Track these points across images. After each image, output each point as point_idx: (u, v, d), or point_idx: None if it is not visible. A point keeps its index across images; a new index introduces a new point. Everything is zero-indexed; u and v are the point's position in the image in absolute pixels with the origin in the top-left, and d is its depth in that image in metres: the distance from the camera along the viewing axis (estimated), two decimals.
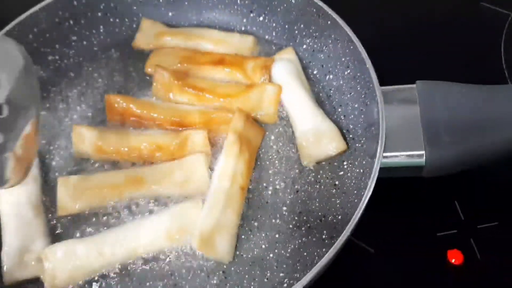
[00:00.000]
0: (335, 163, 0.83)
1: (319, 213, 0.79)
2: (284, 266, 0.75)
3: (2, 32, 0.91)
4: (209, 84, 0.91)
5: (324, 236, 0.76)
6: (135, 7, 1.03)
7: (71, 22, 0.99)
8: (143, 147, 0.83)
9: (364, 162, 0.78)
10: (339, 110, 0.88)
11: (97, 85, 0.97)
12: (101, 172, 0.84)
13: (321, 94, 0.91)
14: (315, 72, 0.94)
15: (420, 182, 0.78)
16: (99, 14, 1.01)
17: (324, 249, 0.73)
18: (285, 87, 0.88)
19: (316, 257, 0.73)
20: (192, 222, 0.76)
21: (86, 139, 0.85)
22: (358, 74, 0.84)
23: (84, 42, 1.02)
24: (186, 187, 0.79)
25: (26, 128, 0.70)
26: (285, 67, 0.90)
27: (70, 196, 0.80)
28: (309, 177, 0.82)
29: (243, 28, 1.02)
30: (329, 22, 0.88)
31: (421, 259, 0.77)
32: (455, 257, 0.77)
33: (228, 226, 0.76)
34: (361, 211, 0.67)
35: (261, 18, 1.00)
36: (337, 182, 0.81)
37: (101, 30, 1.02)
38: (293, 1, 0.93)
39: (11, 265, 0.75)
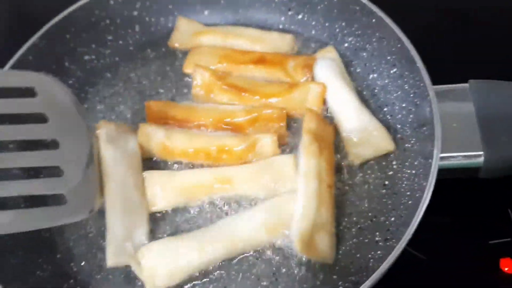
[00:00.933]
0: (383, 163, 0.82)
1: (370, 214, 0.77)
2: (337, 268, 0.74)
3: (41, 32, 0.91)
4: (251, 84, 0.90)
5: (377, 238, 0.75)
6: (170, 6, 1.02)
7: (107, 21, 0.99)
8: (211, 149, 0.82)
9: (416, 163, 0.77)
10: (385, 109, 0.87)
11: (134, 85, 0.96)
12: (188, 170, 0.82)
13: (364, 93, 0.89)
14: (357, 71, 0.92)
15: (472, 187, 0.77)
16: (135, 13, 1.00)
17: (379, 252, 0.72)
18: (329, 86, 0.87)
19: (371, 260, 0.72)
20: (288, 216, 0.74)
21: (152, 138, 0.83)
22: (406, 73, 0.82)
23: (120, 42, 1.01)
24: (274, 189, 0.78)
25: None
26: (328, 66, 0.89)
27: (159, 192, 0.79)
28: (357, 177, 0.81)
29: (281, 26, 1.00)
30: (373, 20, 0.87)
31: (473, 266, 0.76)
32: (507, 266, 0.76)
33: (325, 226, 0.74)
34: (421, 214, 0.66)
35: (300, 16, 0.98)
36: (386, 182, 0.80)
37: (137, 30, 1.01)
38: None
39: (114, 249, 0.74)
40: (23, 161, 0.69)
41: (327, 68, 0.89)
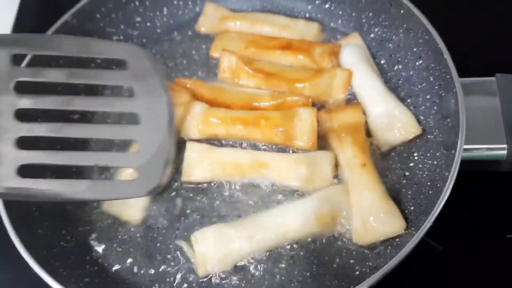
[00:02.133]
0: (405, 154, 0.82)
1: None
2: (354, 253, 0.75)
3: (73, 10, 0.92)
4: (277, 69, 0.91)
5: None
6: None
7: (137, 3, 1.00)
8: (249, 116, 0.83)
9: (437, 154, 0.77)
10: (409, 101, 0.87)
11: (160, 67, 0.98)
12: (228, 148, 0.84)
13: (388, 84, 0.89)
14: (382, 62, 0.92)
15: (493, 180, 0.77)
16: None
17: (397, 239, 0.73)
18: (356, 72, 0.87)
19: (389, 247, 0.73)
20: (341, 207, 0.75)
21: (195, 108, 0.84)
22: (432, 65, 0.82)
23: (148, 24, 1.02)
24: (308, 183, 0.78)
25: None
26: (354, 52, 0.90)
27: (197, 163, 0.80)
28: (378, 168, 0.81)
29: (307, 15, 1.01)
30: (402, 11, 0.87)
31: (489, 259, 0.76)
32: None
33: (374, 204, 0.74)
34: (442, 203, 0.67)
35: (327, 5, 0.99)
36: (407, 173, 0.80)
37: (165, 13, 1.03)
38: None
39: None
40: (105, 133, 0.72)
41: (352, 54, 0.89)
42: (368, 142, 0.82)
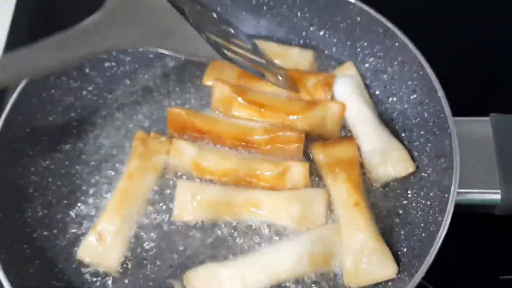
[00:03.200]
0: (398, 191, 0.82)
1: None
2: None
3: None
4: (270, 100, 0.90)
5: None
6: None
7: None
8: (241, 172, 0.82)
9: (431, 194, 0.77)
10: (403, 135, 0.86)
11: (153, 94, 0.97)
12: (220, 186, 0.82)
13: (383, 116, 0.89)
14: (377, 93, 0.92)
15: (486, 221, 0.77)
16: None
17: (389, 283, 0.73)
18: (349, 105, 0.87)
19: None
20: (334, 248, 0.75)
21: (185, 154, 0.83)
22: (426, 101, 0.82)
23: (140, 49, 1.01)
24: (301, 222, 0.77)
25: None
26: (348, 84, 0.89)
27: (189, 203, 0.79)
28: (371, 203, 0.81)
29: (301, 42, 1.00)
30: (396, 44, 0.86)
31: None
32: None
33: (367, 246, 0.74)
34: (435, 251, 0.67)
35: (321, 33, 0.97)
36: (400, 211, 0.80)
37: None
38: (358, 18, 0.91)
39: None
40: None
41: (347, 86, 0.89)
42: (362, 179, 0.81)
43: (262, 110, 0.88)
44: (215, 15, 0.83)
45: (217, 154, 0.84)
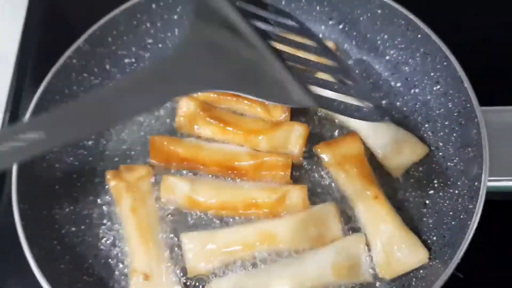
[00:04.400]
0: (424, 181, 0.83)
1: None
2: (377, 284, 0.75)
3: (85, 36, 0.91)
4: (235, 118, 0.89)
5: None
6: None
7: (148, 25, 0.98)
8: (238, 202, 0.80)
9: (459, 183, 0.78)
10: (426, 125, 0.87)
11: None
12: (227, 228, 0.80)
13: (405, 108, 0.90)
14: (398, 85, 0.92)
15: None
16: (175, 17, 1.00)
17: (421, 271, 0.74)
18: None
19: (414, 278, 0.74)
20: (359, 257, 0.74)
21: (177, 191, 0.81)
22: (451, 91, 0.83)
23: (160, 45, 1.00)
24: (320, 241, 0.77)
25: None
26: None
27: (199, 255, 0.76)
28: (398, 195, 0.82)
29: (320, 36, 1.00)
30: (419, 36, 0.86)
31: None
32: None
33: (394, 236, 0.74)
34: (468, 240, 0.67)
35: (340, 26, 0.98)
36: (427, 201, 0.81)
37: (176, 34, 1.01)
38: (379, 11, 0.91)
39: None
40: None
41: None
42: (373, 173, 0.81)
43: (226, 127, 0.87)
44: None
45: (211, 186, 0.82)
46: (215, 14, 0.60)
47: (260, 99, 0.61)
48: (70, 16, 1.16)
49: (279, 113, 0.88)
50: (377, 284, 0.75)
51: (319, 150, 0.85)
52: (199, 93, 0.89)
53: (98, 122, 0.55)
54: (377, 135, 0.85)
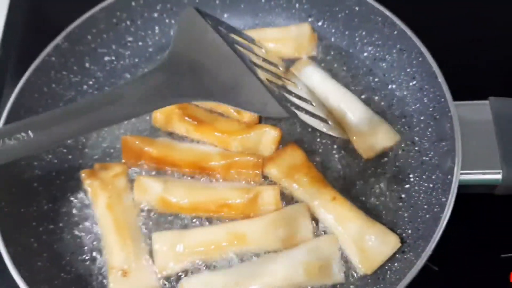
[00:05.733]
0: (400, 176, 0.83)
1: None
2: (351, 279, 0.75)
3: (64, 33, 0.91)
4: (210, 118, 0.89)
5: None
6: None
7: (128, 23, 0.98)
8: (211, 203, 0.80)
9: (433, 177, 0.79)
10: (403, 120, 0.88)
11: None
12: (198, 228, 0.80)
13: (382, 103, 0.90)
14: (376, 80, 0.93)
15: (486, 201, 0.79)
16: (155, 14, 1.00)
17: (396, 264, 0.74)
18: (325, 87, 0.89)
19: (388, 271, 0.74)
20: (331, 258, 0.74)
21: (150, 191, 0.81)
22: (426, 86, 0.84)
23: (140, 43, 1.01)
24: (290, 242, 0.76)
25: None
26: (315, 70, 0.92)
27: (169, 255, 0.76)
28: (374, 189, 0.83)
29: None
30: (395, 32, 0.87)
31: (484, 279, 0.78)
32: None
33: (362, 231, 0.75)
34: (440, 232, 0.68)
35: (319, 23, 0.98)
36: (403, 195, 0.82)
37: (157, 31, 1.01)
38: (357, 8, 0.92)
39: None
40: None
41: (314, 72, 0.91)
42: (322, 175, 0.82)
43: (200, 126, 0.87)
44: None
45: (184, 187, 0.82)
46: (197, 36, 0.66)
47: (239, 109, 0.67)
48: (51, 14, 1.16)
49: (249, 114, 0.89)
50: (351, 280, 0.76)
51: (263, 169, 0.83)
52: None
53: (86, 124, 0.60)
54: (354, 113, 0.86)
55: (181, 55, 0.66)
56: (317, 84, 0.90)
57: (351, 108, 0.87)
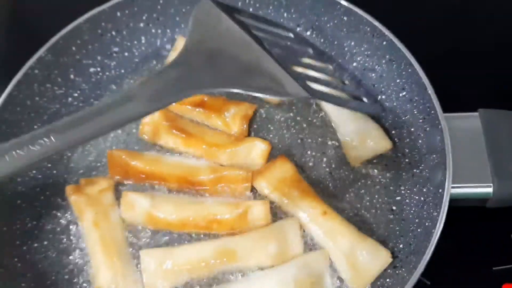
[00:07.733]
0: (391, 187, 0.83)
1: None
2: None
3: (48, 45, 0.89)
4: (199, 130, 0.88)
5: None
6: (177, 18, 1.00)
7: (113, 33, 0.97)
8: (200, 219, 0.78)
9: (424, 190, 0.78)
10: (393, 132, 0.87)
11: None
12: (186, 245, 0.78)
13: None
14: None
15: (477, 213, 0.78)
16: (141, 24, 0.98)
17: (388, 279, 0.74)
18: None
19: (380, 287, 0.74)
20: (322, 274, 0.73)
21: (137, 207, 0.79)
22: (416, 98, 0.83)
23: (126, 54, 0.99)
24: (280, 258, 0.75)
25: None
26: None
27: (157, 272, 0.75)
28: (364, 202, 0.82)
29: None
30: (384, 43, 0.87)
31: None
32: None
33: (353, 246, 0.74)
34: (433, 247, 0.67)
35: (308, 33, 0.97)
36: (394, 208, 0.81)
37: (143, 41, 1.00)
38: (345, 18, 0.91)
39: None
40: None
41: None
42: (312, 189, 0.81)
43: (188, 139, 0.86)
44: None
45: (172, 203, 0.80)
46: (213, 25, 0.68)
47: (258, 94, 0.66)
48: (34, 26, 1.14)
49: (238, 124, 0.87)
50: None
51: (253, 183, 0.82)
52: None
53: (104, 125, 0.63)
54: (345, 122, 0.86)
55: (197, 46, 0.67)
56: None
57: (341, 115, 0.86)
